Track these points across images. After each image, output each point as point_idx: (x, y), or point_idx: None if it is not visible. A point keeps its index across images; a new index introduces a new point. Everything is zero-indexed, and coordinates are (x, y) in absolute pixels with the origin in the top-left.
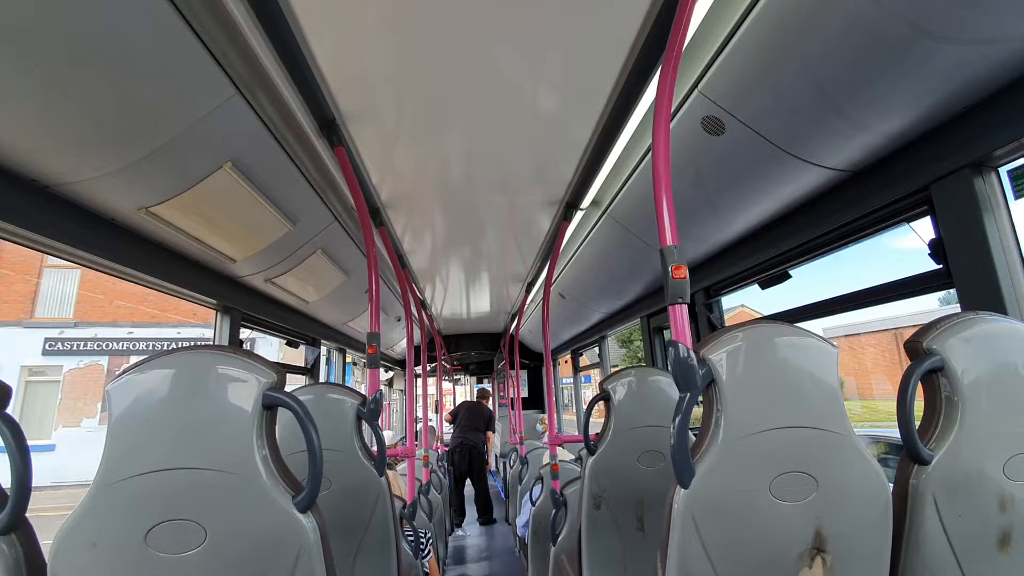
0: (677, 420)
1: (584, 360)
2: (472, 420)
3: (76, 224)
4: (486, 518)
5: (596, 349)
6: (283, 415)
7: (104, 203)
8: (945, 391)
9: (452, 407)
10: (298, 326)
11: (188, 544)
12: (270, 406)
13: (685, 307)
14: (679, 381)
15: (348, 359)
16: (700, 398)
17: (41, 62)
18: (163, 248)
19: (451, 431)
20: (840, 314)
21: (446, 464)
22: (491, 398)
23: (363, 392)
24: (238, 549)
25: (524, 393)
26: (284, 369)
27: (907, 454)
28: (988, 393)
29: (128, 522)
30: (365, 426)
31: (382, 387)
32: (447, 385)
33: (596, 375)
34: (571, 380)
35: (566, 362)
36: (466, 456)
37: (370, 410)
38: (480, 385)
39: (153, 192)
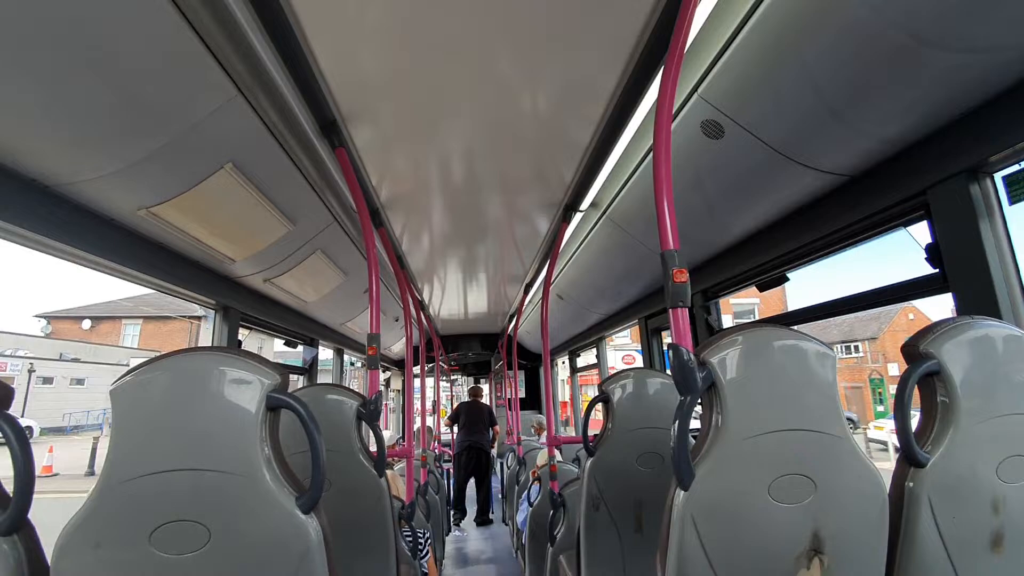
0: (677, 423)
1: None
2: (475, 420)
3: (76, 224)
4: (483, 518)
5: (594, 350)
6: (283, 415)
7: (104, 203)
8: (941, 394)
9: (450, 409)
10: (296, 326)
11: (191, 545)
12: (274, 407)
13: (686, 311)
14: (679, 384)
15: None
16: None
17: (41, 61)
18: (162, 248)
19: (448, 432)
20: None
21: (453, 466)
22: (483, 393)
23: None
24: (241, 550)
25: (522, 393)
26: (287, 370)
27: (903, 456)
28: (982, 396)
29: (132, 523)
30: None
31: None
32: (445, 386)
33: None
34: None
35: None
36: (474, 457)
37: (370, 411)
38: (473, 385)
39: (153, 192)
